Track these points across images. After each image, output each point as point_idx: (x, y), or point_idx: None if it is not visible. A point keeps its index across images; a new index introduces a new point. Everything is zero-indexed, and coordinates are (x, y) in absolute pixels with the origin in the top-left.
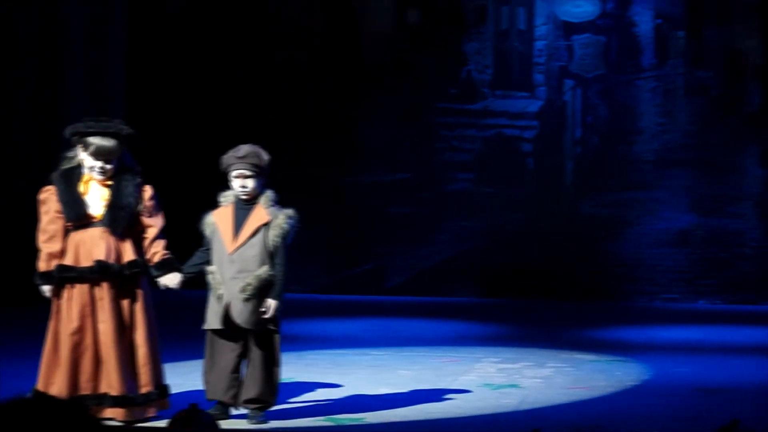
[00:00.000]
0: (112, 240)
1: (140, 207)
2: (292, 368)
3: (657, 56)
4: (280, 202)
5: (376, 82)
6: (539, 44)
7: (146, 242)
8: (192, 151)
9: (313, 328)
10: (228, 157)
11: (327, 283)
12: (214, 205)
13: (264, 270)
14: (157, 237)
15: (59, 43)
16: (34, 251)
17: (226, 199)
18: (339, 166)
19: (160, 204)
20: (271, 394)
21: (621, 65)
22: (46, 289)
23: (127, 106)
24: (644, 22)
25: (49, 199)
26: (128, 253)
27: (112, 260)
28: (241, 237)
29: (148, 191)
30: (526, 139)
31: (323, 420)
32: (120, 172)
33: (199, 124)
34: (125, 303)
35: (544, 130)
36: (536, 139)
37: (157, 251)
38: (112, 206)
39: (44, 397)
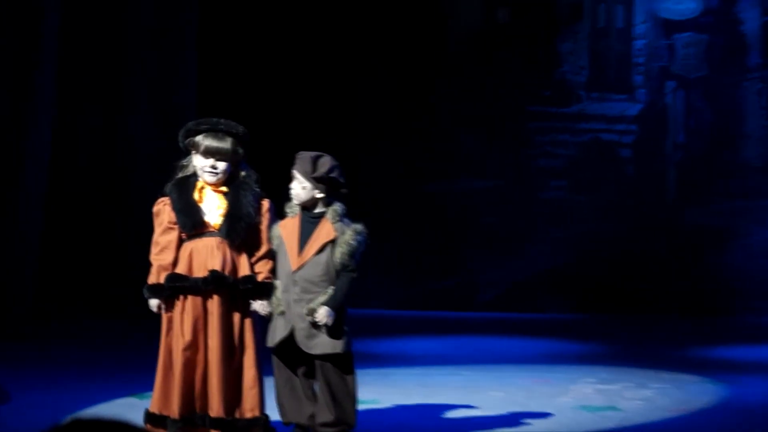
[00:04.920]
0: (228, 251)
1: (258, 219)
2: (375, 389)
3: (764, 56)
4: (354, 213)
5: (463, 84)
6: (638, 43)
7: (254, 258)
8: (267, 156)
9: (396, 346)
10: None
11: (412, 298)
12: (282, 215)
13: (330, 293)
14: (266, 256)
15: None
16: (137, 264)
17: (292, 210)
18: (425, 173)
19: (276, 219)
20: (348, 416)
21: (725, 65)
22: (154, 303)
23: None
24: (751, 19)
25: (163, 210)
26: (244, 267)
27: (227, 272)
28: (305, 254)
29: (265, 204)
30: (625, 145)
31: None
32: (237, 180)
33: (277, 129)
34: (236, 320)
35: (643, 134)
36: (635, 144)
37: (261, 271)
38: (231, 215)
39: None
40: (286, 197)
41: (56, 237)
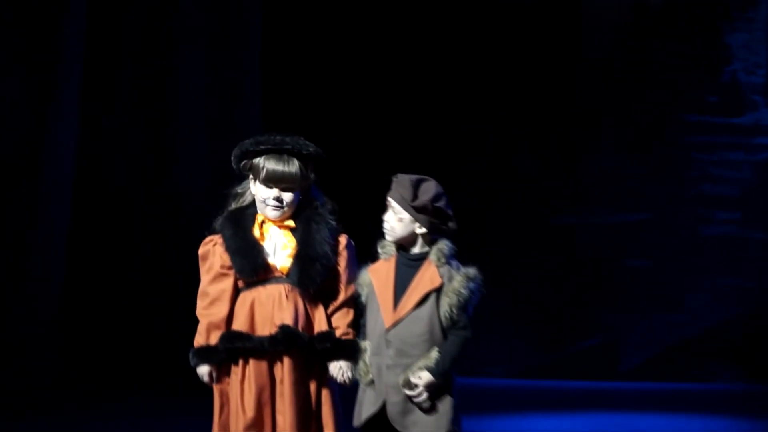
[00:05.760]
0: (300, 302)
1: (335, 260)
2: None
3: None
4: (464, 254)
5: (600, 87)
6: None
7: (331, 309)
8: (348, 182)
9: (520, 425)
10: None
11: (537, 365)
12: (373, 256)
13: (434, 357)
14: (344, 305)
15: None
16: (184, 320)
17: (386, 250)
18: (551, 203)
19: (356, 260)
20: None
21: None
22: (205, 371)
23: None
24: None
25: (213, 252)
26: (321, 322)
27: (300, 328)
28: (402, 307)
29: (343, 240)
30: None
31: None
32: (307, 211)
33: (361, 147)
34: (312, 389)
35: None
36: None
37: (339, 326)
38: (302, 256)
39: None
40: (375, 235)
41: (82, 283)
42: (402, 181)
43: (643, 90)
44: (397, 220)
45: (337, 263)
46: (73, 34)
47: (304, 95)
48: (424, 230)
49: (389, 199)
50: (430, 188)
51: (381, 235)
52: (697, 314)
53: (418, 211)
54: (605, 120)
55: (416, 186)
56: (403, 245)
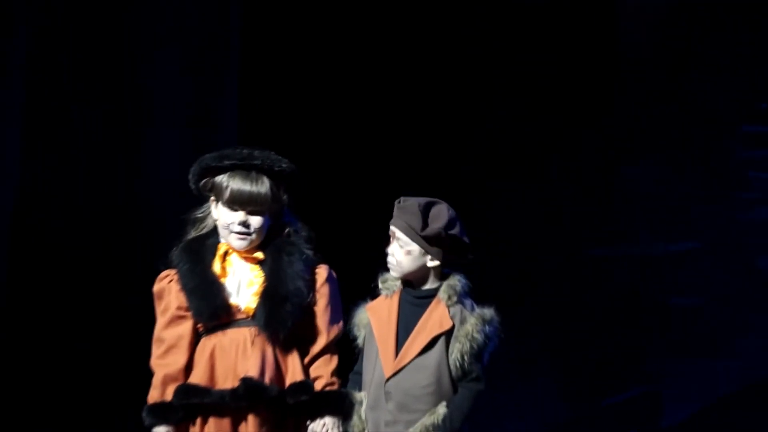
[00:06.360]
0: (269, 348)
1: (312, 298)
2: None
3: None
4: (476, 294)
5: (639, 91)
6: None
7: (309, 356)
8: (328, 203)
9: None
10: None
11: (567, 419)
12: (371, 293)
13: (441, 413)
14: (326, 350)
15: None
16: (138, 370)
17: (387, 285)
18: (584, 229)
19: (339, 295)
20: None
21: None
22: (162, 430)
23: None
24: None
25: (168, 290)
26: (294, 371)
27: (267, 380)
28: (406, 353)
29: (322, 273)
30: None
31: None
32: (278, 239)
33: (351, 163)
34: None
35: None
36: None
37: (320, 375)
38: (270, 295)
39: None
40: (365, 268)
41: (18, 326)
42: (408, 207)
43: (690, 95)
44: (404, 254)
45: (314, 301)
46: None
47: (283, 103)
48: (436, 263)
49: (393, 228)
50: (441, 213)
51: (382, 265)
52: (753, 361)
53: (429, 241)
54: (647, 130)
55: (425, 211)
56: (411, 281)
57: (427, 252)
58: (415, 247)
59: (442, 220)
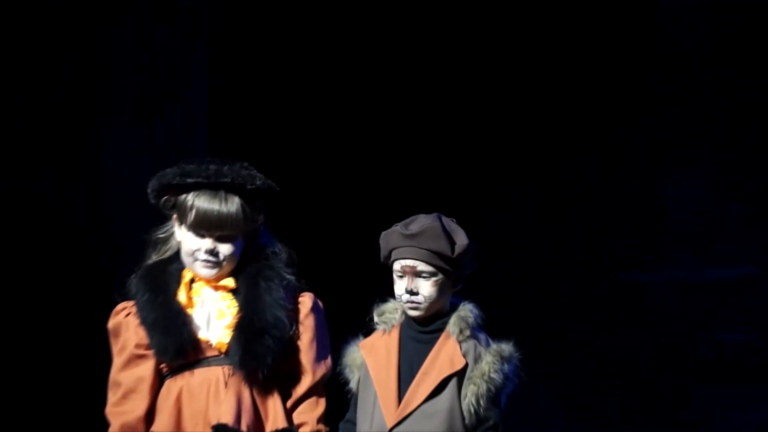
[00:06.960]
0: (245, 390)
1: (294, 330)
2: None
3: None
4: (490, 327)
5: (675, 95)
6: None
7: (292, 399)
8: (312, 220)
9: None
10: (390, 235)
11: None
12: (365, 327)
13: None
14: (312, 392)
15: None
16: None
17: (385, 317)
18: (617, 250)
19: (327, 328)
20: None
21: None
22: None
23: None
24: None
25: (125, 326)
26: (276, 417)
27: (244, 427)
28: (410, 399)
29: (307, 301)
30: None
31: None
32: (253, 264)
33: (341, 174)
34: None
35: None
36: None
37: (306, 422)
38: (246, 327)
39: None
40: (357, 297)
41: None
42: (427, 232)
43: (736, 98)
44: (433, 287)
45: (297, 335)
46: None
47: (261, 107)
48: (453, 290)
49: (413, 263)
50: (454, 226)
51: (376, 294)
52: None
53: (461, 264)
54: (689, 140)
55: (445, 229)
56: (426, 316)
57: (458, 279)
58: (444, 276)
59: (461, 233)
